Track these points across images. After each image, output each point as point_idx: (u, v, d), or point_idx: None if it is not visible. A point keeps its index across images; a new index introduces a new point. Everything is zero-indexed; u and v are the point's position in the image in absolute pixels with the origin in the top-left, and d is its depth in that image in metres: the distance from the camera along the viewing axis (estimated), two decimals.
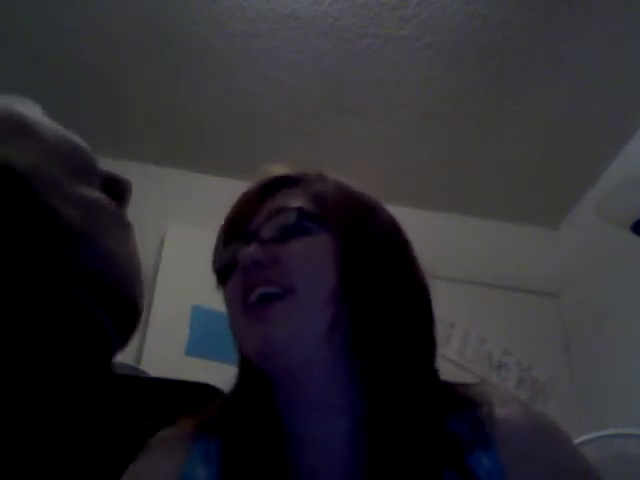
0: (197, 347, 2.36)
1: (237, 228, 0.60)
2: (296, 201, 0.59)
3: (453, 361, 2.60)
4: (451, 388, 0.57)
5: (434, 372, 0.58)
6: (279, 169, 0.64)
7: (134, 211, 2.88)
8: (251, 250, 0.55)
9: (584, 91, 2.40)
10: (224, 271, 0.60)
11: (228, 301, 0.59)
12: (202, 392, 0.76)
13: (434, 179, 2.85)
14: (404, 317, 0.57)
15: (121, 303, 0.66)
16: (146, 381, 0.79)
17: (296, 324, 0.53)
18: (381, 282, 0.57)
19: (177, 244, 2.56)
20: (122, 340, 0.70)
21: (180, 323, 2.38)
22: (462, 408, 0.55)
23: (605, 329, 2.58)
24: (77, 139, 0.71)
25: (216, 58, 2.35)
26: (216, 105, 2.54)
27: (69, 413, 0.64)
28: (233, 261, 0.58)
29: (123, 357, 0.99)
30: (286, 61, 2.34)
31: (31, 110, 0.67)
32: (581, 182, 2.79)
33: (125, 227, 0.71)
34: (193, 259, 2.51)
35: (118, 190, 0.71)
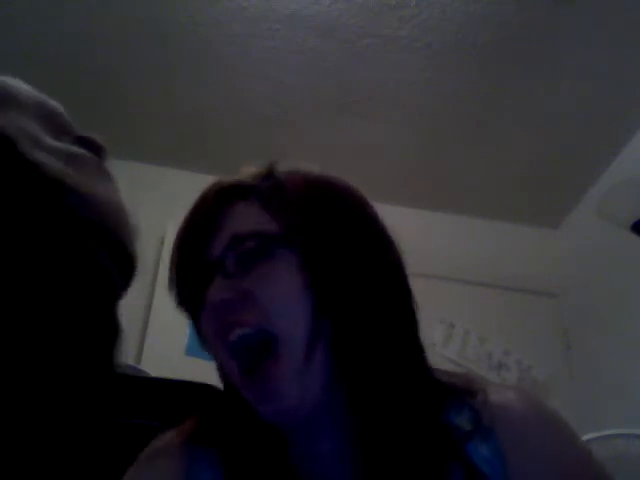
0: (197, 347, 2.34)
1: (194, 252, 0.55)
2: (253, 220, 0.54)
3: (453, 361, 2.60)
4: (445, 382, 0.55)
5: (425, 372, 0.55)
6: (227, 178, 0.60)
7: (134, 211, 2.86)
8: (218, 289, 0.51)
9: (584, 91, 2.40)
10: (189, 301, 0.57)
11: (205, 336, 0.56)
12: (202, 392, 0.76)
13: (434, 179, 2.85)
14: (388, 330, 0.53)
15: (118, 248, 0.66)
16: (146, 381, 0.79)
17: (298, 384, 0.49)
18: (359, 296, 0.52)
19: None
20: (124, 284, 0.70)
21: (180, 323, 2.38)
22: (458, 400, 0.53)
23: (605, 329, 2.58)
24: (53, 102, 0.73)
25: (216, 58, 2.35)
26: (216, 105, 2.54)
27: (69, 408, 0.64)
28: (199, 298, 0.54)
29: (123, 357, 0.99)
30: (286, 61, 2.34)
31: (9, 79, 0.68)
32: (581, 182, 2.79)
33: (110, 178, 0.73)
34: None
35: (95, 148, 0.73)
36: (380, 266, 0.55)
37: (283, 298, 0.50)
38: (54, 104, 0.74)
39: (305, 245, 0.52)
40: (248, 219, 0.54)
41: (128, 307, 2.78)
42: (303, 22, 2.19)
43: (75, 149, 0.70)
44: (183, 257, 0.56)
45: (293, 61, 2.34)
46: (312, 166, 0.60)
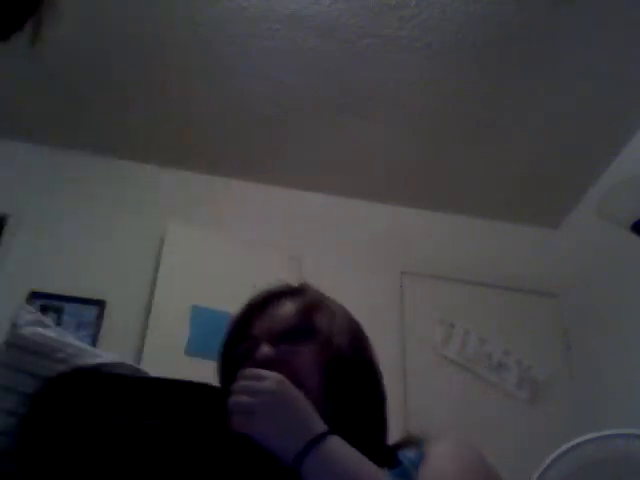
0: (197, 347, 2.36)
1: (243, 331, 0.82)
2: (291, 316, 0.81)
3: (453, 361, 2.60)
4: (395, 446, 0.79)
5: (382, 436, 0.82)
6: (270, 288, 0.86)
7: (134, 211, 2.89)
8: (266, 350, 0.76)
9: (584, 91, 2.41)
10: (234, 365, 0.78)
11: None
12: (202, 392, 0.77)
13: (434, 179, 2.85)
14: (368, 408, 0.80)
15: None
16: (146, 381, 0.79)
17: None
18: (350, 384, 0.79)
19: (177, 244, 2.56)
20: None
21: (180, 323, 2.38)
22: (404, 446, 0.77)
23: (605, 329, 2.59)
24: None
25: (216, 58, 2.35)
26: (216, 105, 2.54)
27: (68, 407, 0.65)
28: (245, 358, 0.78)
29: (123, 357, 0.99)
30: (286, 61, 2.34)
31: None
32: (581, 182, 2.79)
33: None
34: (193, 259, 2.53)
35: None
36: (367, 366, 0.84)
37: (307, 367, 0.76)
38: None
39: (326, 342, 0.79)
40: (286, 312, 0.82)
41: (128, 307, 2.80)
42: (303, 22, 2.20)
43: None
44: (234, 334, 0.83)
45: (293, 61, 2.34)
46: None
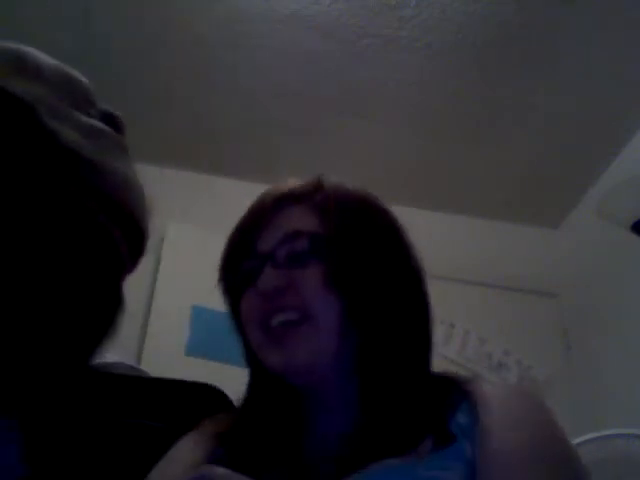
0: (197, 347, 2.36)
1: (248, 245, 0.65)
2: (304, 222, 0.64)
3: (453, 361, 2.60)
4: (441, 375, 0.64)
5: (425, 362, 0.65)
6: (282, 185, 0.69)
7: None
8: (270, 276, 0.61)
9: (584, 91, 2.40)
10: (236, 287, 0.66)
11: (245, 317, 0.64)
12: (202, 392, 0.77)
13: (434, 179, 2.85)
14: (408, 333, 0.63)
15: (129, 223, 0.67)
16: (146, 381, 0.79)
17: (315, 348, 0.59)
18: (383, 303, 0.62)
19: (177, 244, 2.56)
20: (133, 259, 0.71)
21: (180, 323, 2.38)
22: (451, 389, 0.60)
23: (605, 329, 2.58)
24: (77, 73, 0.73)
25: (216, 58, 2.35)
26: (216, 105, 2.54)
27: (68, 407, 0.64)
28: (248, 280, 0.63)
29: (123, 357, 0.99)
30: (286, 61, 2.34)
31: (31, 50, 0.69)
32: (581, 182, 2.79)
33: (127, 155, 0.73)
34: (193, 259, 2.52)
35: (116, 123, 0.74)
36: (400, 271, 0.65)
37: (324, 294, 0.60)
38: (78, 77, 0.74)
39: (345, 248, 0.62)
40: (299, 221, 0.64)
41: (128, 307, 2.77)
42: (303, 22, 2.19)
43: (96, 123, 0.70)
44: (237, 247, 0.67)
45: (293, 61, 2.34)
46: (353, 183, 0.72)
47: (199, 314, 2.40)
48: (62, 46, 2.30)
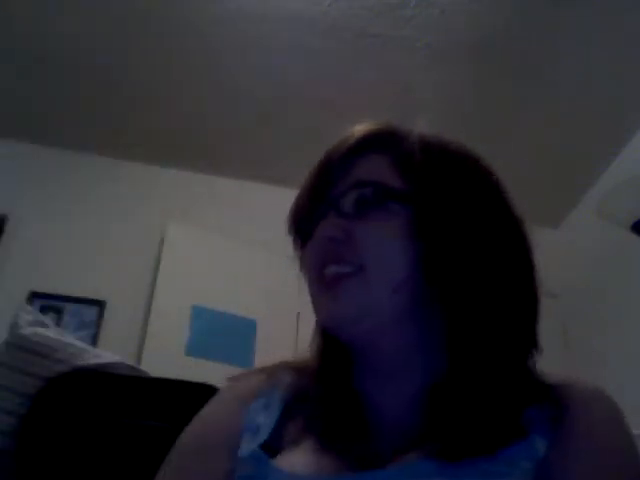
0: (197, 347, 2.36)
1: (320, 191, 0.60)
2: (380, 172, 0.59)
3: None
4: (536, 379, 0.59)
5: (523, 359, 0.59)
6: (367, 127, 0.64)
7: (134, 211, 2.89)
8: (328, 226, 0.57)
9: (584, 91, 2.41)
10: (304, 232, 0.61)
11: (305, 267, 0.61)
12: (202, 392, 0.77)
13: None
14: (496, 306, 0.56)
15: None
16: (146, 381, 0.79)
17: (361, 299, 0.54)
18: (468, 260, 0.55)
19: (177, 244, 2.56)
20: None
21: (180, 323, 2.38)
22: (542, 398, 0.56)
23: (605, 329, 2.59)
24: None
25: (216, 58, 2.35)
26: (216, 105, 2.54)
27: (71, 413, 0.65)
28: (313, 226, 0.59)
29: (123, 357, 0.99)
30: (286, 61, 2.34)
31: None
32: (581, 182, 2.79)
33: None
34: (193, 259, 2.53)
35: None
36: (489, 231, 0.58)
37: (383, 249, 0.55)
38: None
39: (421, 203, 0.56)
40: (376, 170, 0.59)
41: (128, 307, 2.80)
42: (303, 22, 2.19)
43: None
44: (309, 191, 0.61)
45: (293, 61, 2.34)
46: (447, 136, 0.65)
47: (199, 314, 2.40)
48: (62, 46, 2.30)
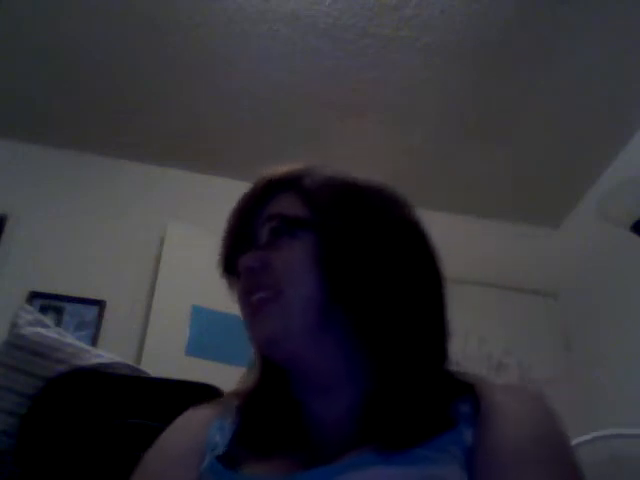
0: (197, 347, 2.36)
1: (239, 232, 0.67)
2: (287, 206, 0.64)
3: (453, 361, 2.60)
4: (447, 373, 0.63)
5: (434, 361, 0.62)
6: (274, 171, 0.68)
7: (134, 211, 2.89)
8: (247, 258, 0.63)
9: (584, 91, 2.41)
10: (232, 273, 0.68)
11: (237, 301, 0.67)
12: (202, 392, 0.77)
13: (434, 179, 2.85)
14: (400, 313, 0.61)
15: None
16: (146, 381, 0.79)
17: (282, 321, 0.60)
18: (367, 276, 0.60)
19: (177, 244, 2.56)
20: None
21: (180, 323, 2.38)
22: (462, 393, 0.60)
23: (605, 329, 2.59)
24: None
25: (216, 58, 2.35)
26: (216, 105, 2.54)
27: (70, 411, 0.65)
28: (236, 265, 0.65)
29: (123, 357, 0.99)
30: (286, 61, 2.34)
31: None
32: (581, 182, 2.79)
33: None
34: (193, 259, 2.53)
35: None
36: (397, 251, 0.64)
37: (295, 271, 0.61)
38: None
39: (322, 228, 0.62)
40: (284, 205, 0.65)
41: (128, 307, 2.80)
42: (303, 22, 2.20)
43: None
44: (230, 234, 0.68)
45: (293, 61, 2.34)
46: (343, 171, 0.70)
47: (199, 314, 2.40)
48: (62, 46, 2.30)
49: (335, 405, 0.61)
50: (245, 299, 0.64)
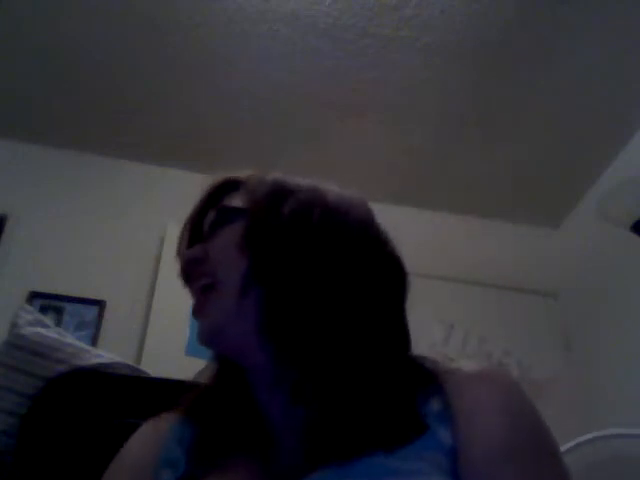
0: (197, 347, 2.35)
1: (190, 235, 0.69)
2: (227, 201, 0.67)
3: None
4: (410, 364, 0.60)
5: (390, 357, 0.58)
6: (225, 175, 0.71)
7: (134, 211, 2.88)
8: (191, 250, 0.64)
9: (584, 91, 2.41)
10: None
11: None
12: None
13: (434, 179, 2.85)
14: (318, 302, 0.58)
15: None
16: (146, 381, 0.79)
17: (222, 308, 0.60)
18: (287, 265, 0.59)
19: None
20: None
21: (180, 323, 2.38)
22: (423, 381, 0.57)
23: (605, 329, 2.59)
24: None
25: (216, 58, 2.35)
26: (216, 105, 2.54)
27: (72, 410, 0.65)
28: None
29: (123, 357, 0.99)
30: (286, 61, 2.34)
31: None
32: (581, 182, 2.79)
33: None
34: None
35: None
36: (320, 244, 0.61)
37: (227, 256, 0.61)
38: None
39: (251, 216, 0.62)
40: (225, 201, 0.67)
41: (128, 307, 2.79)
42: (303, 22, 2.20)
43: None
44: (180, 241, 0.69)
45: (293, 61, 2.34)
46: (293, 176, 0.69)
47: None
48: (62, 46, 2.30)
49: (285, 405, 0.58)
50: (190, 292, 0.64)
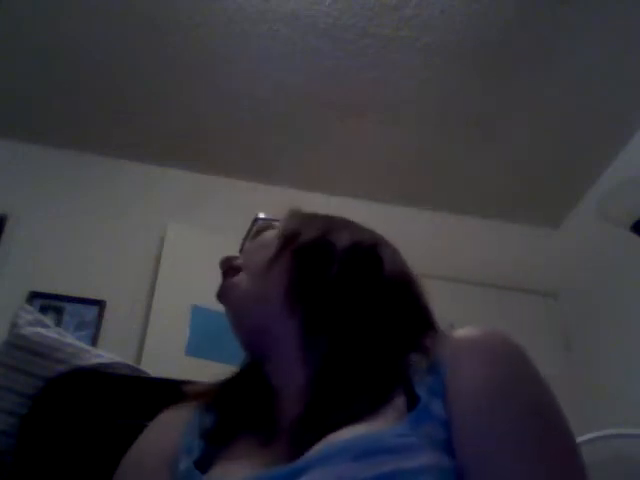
0: (197, 347, 2.36)
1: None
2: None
3: None
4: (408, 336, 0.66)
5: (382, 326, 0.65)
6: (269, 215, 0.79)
7: (134, 211, 2.88)
8: (227, 256, 0.73)
9: (584, 91, 2.41)
10: None
11: None
12: None
13: (434, 179, 2.85)
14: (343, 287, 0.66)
15: None
16: (146, 381, 0.79)
17: (250, 282, 0.68)
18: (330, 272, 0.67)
19: (177, 244, 2.56)
20: None
21: (180, 323, 2.38)
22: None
23: (605, 329, 2.59)
24: None
25: (216, 58, 2.35)
26: (216, 105, 2.54)
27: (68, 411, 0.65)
28: None
29: (123, 357, 0.99)
30: (286, 61, 2.34)
31: None
32: (581, 182, 2.79)
33: None
34: (193, 259, 2.53)
35: None
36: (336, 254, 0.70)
37: (254, 254, 0.71)
38: None
39: (287, 226, 0.72)
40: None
41: (128, 307, 2.80)
42: (303, 22, 2.20)
43: None
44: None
45: (293, 61, 2.34)
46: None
47: (199, 314, 2.40)
48: (62, 46, 2.30)
49: (297, 378, 0.62)
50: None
